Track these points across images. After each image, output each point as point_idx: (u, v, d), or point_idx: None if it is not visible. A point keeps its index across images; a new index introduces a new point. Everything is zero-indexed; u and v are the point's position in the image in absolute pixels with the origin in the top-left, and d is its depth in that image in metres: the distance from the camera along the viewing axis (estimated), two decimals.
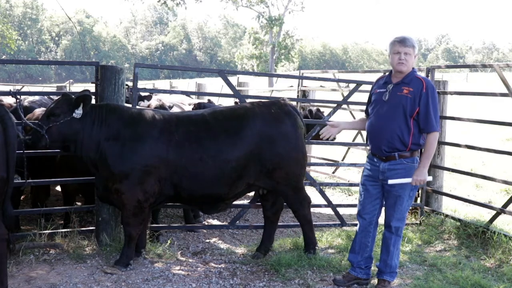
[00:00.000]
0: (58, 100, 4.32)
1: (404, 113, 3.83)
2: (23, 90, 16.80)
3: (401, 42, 3.88)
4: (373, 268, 4.33)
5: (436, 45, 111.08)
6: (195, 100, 8.63)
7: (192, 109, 6.51)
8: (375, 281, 4.22)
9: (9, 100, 6.76)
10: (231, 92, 5.56)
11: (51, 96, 7.02)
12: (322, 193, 5.86)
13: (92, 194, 5.16)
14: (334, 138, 4.62)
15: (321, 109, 7.80)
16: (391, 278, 4.10)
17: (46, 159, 5.15)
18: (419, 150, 4.00)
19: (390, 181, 3.89)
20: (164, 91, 6.65)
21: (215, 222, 6.20)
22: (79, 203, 6.12)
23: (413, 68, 3.97)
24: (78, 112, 4.21)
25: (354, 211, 6.87)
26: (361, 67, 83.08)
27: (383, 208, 4.14)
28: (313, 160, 8.53)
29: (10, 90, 5.06)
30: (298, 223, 4.92)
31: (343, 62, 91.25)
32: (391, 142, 3.88)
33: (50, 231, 4.88)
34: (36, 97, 7.20)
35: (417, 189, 4.02)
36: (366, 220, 4.14)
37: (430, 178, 3.87)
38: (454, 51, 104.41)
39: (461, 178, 8.30)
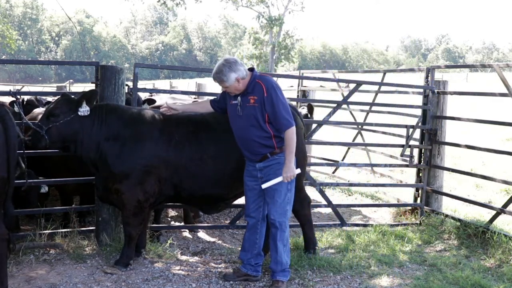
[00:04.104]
0: (58, 101, 4.32)
1: (258, 122, 3.93)
2: (23, 90, 16.79)
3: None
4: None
5: (436, 45, 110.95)
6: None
7: None
8: (265, 279, 4.31)
9: (4, 99, 6.74)
10: None
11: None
12: (322, 193, 5.86)
13: (90, 194, 5.16)
14: None
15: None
16: (284, 278, 4.13)
17: (45, 159, 5.14)
18: None
19: (264, 185, 3.98)
20: (164, 91, 6.63)
21: (215, 222, 6.19)
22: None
23: (253, 71, 4.00)
24: (84, 110, 4.21)
25: (354, 211, 6.92)
26: (361, 67, 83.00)
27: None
28: (313, 160, 8.52)
29: (10, 90, 5.06)
30: (298, 223, 4.92)
31: (343, 62, 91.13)
32: (256, 150, 4.00)
33: (50, 231, 4.89)
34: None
35: (294, 182, 4.09)
36: (255, 219, 4.21)
37: (298, 171, 3.94)
38: (454, 51, 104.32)
39: (461, 178, 8.31)
